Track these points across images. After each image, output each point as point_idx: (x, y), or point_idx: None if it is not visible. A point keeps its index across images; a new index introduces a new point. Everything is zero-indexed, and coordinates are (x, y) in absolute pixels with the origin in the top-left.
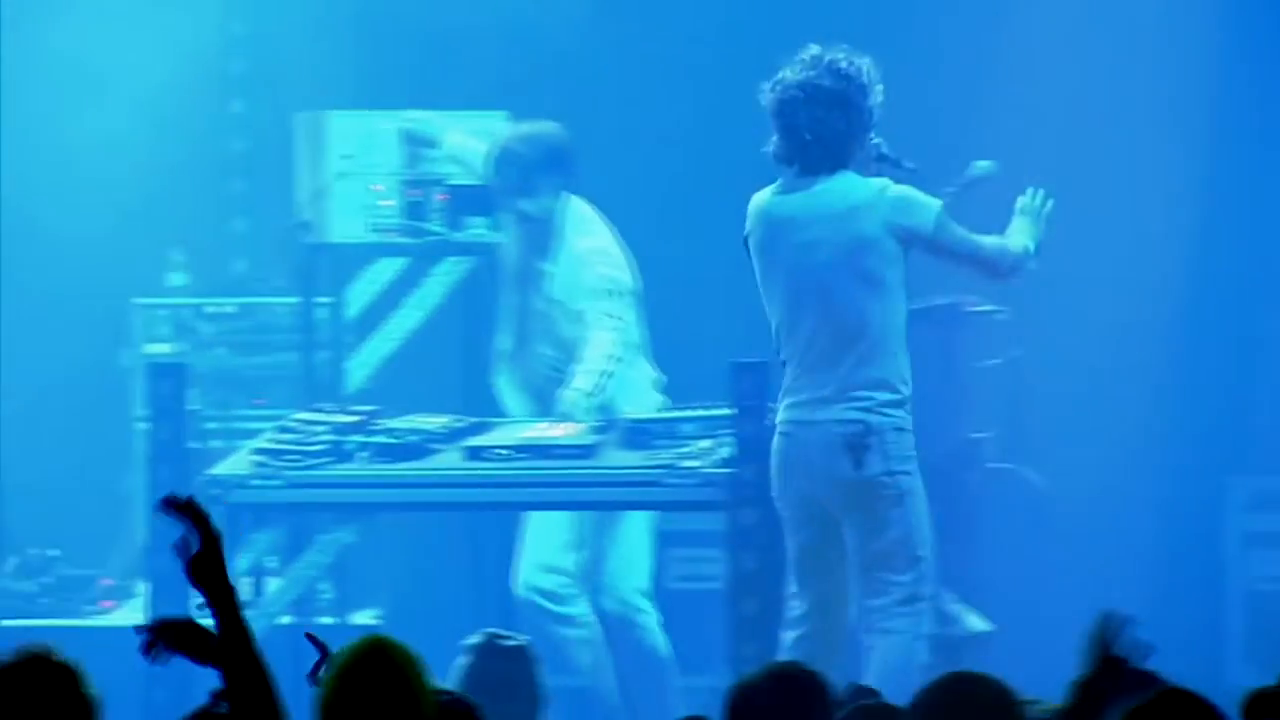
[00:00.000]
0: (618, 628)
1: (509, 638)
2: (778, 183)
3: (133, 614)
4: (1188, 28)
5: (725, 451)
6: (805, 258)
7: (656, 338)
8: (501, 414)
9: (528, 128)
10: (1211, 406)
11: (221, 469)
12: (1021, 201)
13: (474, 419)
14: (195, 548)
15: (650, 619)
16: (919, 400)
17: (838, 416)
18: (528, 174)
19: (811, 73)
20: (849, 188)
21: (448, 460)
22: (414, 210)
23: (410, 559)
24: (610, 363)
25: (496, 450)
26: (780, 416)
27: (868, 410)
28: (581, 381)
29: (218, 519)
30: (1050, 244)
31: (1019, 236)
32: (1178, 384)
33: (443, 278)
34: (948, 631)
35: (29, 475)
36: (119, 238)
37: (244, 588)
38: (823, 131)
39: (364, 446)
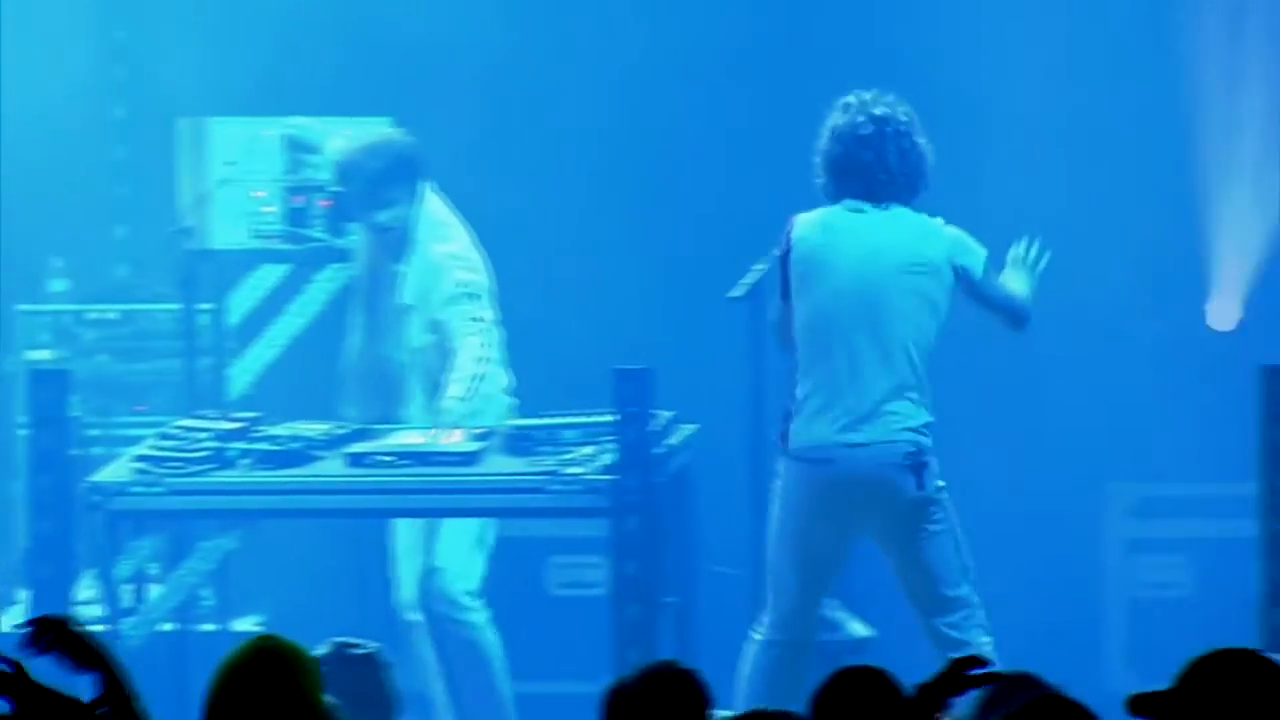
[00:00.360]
0: (448, 630)
1: (358, 645)
2: (841, 204)
3: (13, 620)
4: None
5: (608, 458)
6: (869, 269)
7: (517, 342)
8: (341, 416)
9: (373, 137)
10: (1092, 413)
11: (103, 476)
12: (1014, 253)
13: (356, 425)
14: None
15: (481, 617)
16: None
17: (892, 437)
18: (375, 185)
19: (892, 110)
20: (917, 217)
21: (330, 467)
22: (296, 217)
23: (292, 566)
24: (481, 365)
25: (378, 457)
26: (810, 439)
27: (919, 431)
28: (455, 389)
29: (99, 526)
30: None
31: (1017, 287)
32: (1058, 390)
33: (325, 284)
34: (831, 638)
35: None
36: (1, 244)
37: (126, 595)
38: (906, 164)
39: (246, 453)
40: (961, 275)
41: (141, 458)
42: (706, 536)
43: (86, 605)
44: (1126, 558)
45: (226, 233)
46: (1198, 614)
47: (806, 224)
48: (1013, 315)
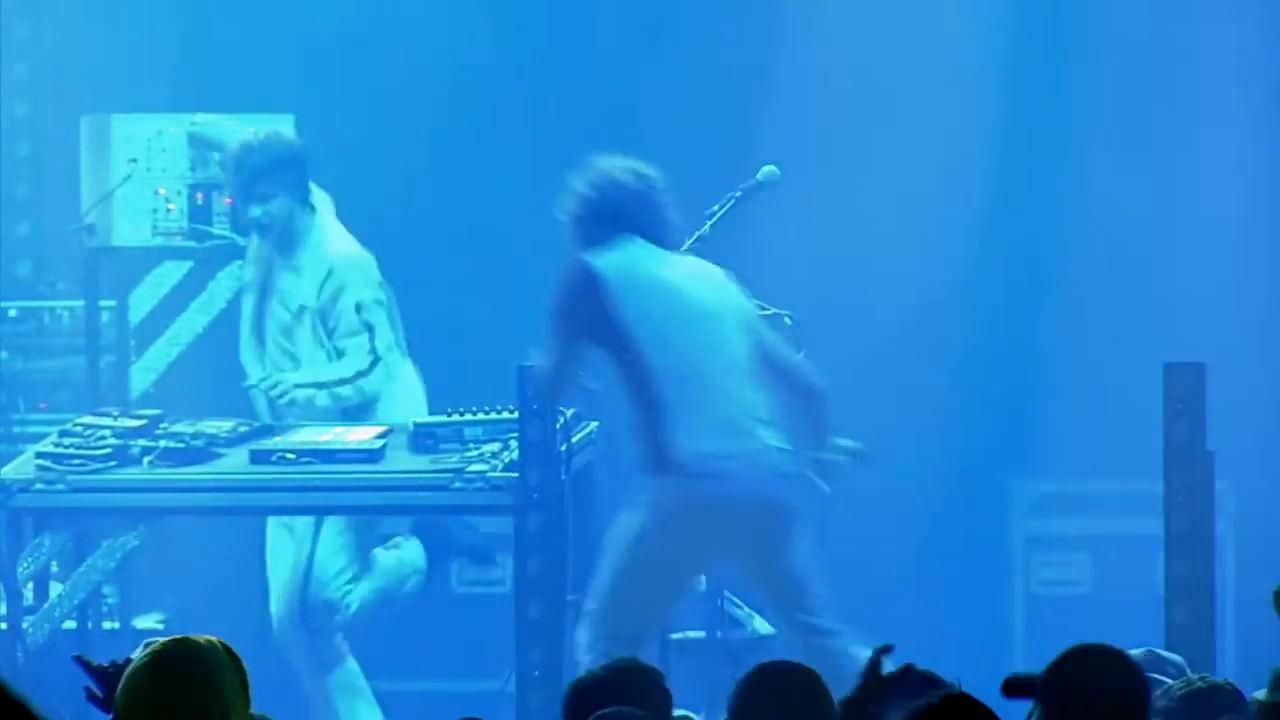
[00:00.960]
0: (320, 638)
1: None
2: (620, 240)
3: None
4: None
5: (511, 456)
6: (698, 290)
7: (421, 341)
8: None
9: (255, 134)
10: (994, 410)
11: (4, 472)
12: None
13: (261, 423)
14: None
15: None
16: None
17: (772, 444)
18: (251, 179)
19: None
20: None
21: (233, 464)
22: (199, 214)
23: (195, 563)
24: (351, 376)
25: (281, 454)
26: (690, 453)
27: (784, 444)
28: (317, 374)
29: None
30: (835, 248)
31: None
32: (961, 388)
33: (228, 281)
34: (736, 635)
35: None
36: None
37: (27, 593)
38: (672, 216)
39: (149, 450)
40: (757, 318)
41: (43, 455)
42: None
43: None
44: (1027, 554)
45: (129, 230)
46: (1098, 610)
47: (606, 262)
48: (810, 378)
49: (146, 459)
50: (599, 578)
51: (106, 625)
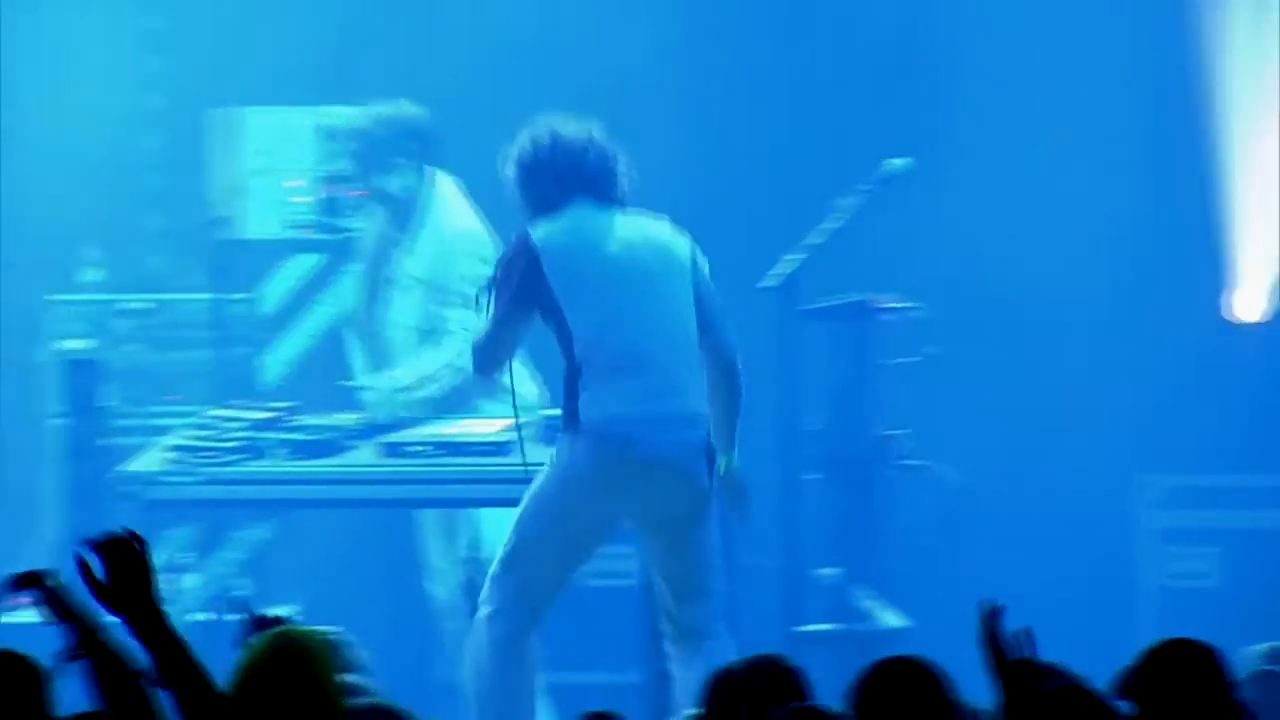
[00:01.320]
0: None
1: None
2: (572, 206)
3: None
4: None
5: None
6: (635, 256)
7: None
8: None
9: (381, 107)
10: (1122, 405)
11: (135, 465)
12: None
13: (391, 416)
14: (104, 578)
15: None
16: (831, 397)
17: (690, 423)
18: (382, 151)
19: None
20: (653, 216)
21: (363, 456)
22: (328, 206)
23: (326, 556)
24: (445, 370)
25: (413, 446)
26: (606, 414)
27: (706, 419)
28: (403, 375)
29: (131, 515)
30: (969, 242)
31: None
32: (1089, 382)
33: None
34: (862, 627)
35: None
36: (34, 234)
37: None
38: (620, 168)
39: (279, 443)
40: (699, 277)
41: (175, 447)
42: (738, 527)
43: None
44: (1157, 548)
45: (259, 223)
46: (1227, 604)
47: (547, 228)
48: (727, 349)
49: (277, 451)
50: (509, 531)
51: (238, 617)
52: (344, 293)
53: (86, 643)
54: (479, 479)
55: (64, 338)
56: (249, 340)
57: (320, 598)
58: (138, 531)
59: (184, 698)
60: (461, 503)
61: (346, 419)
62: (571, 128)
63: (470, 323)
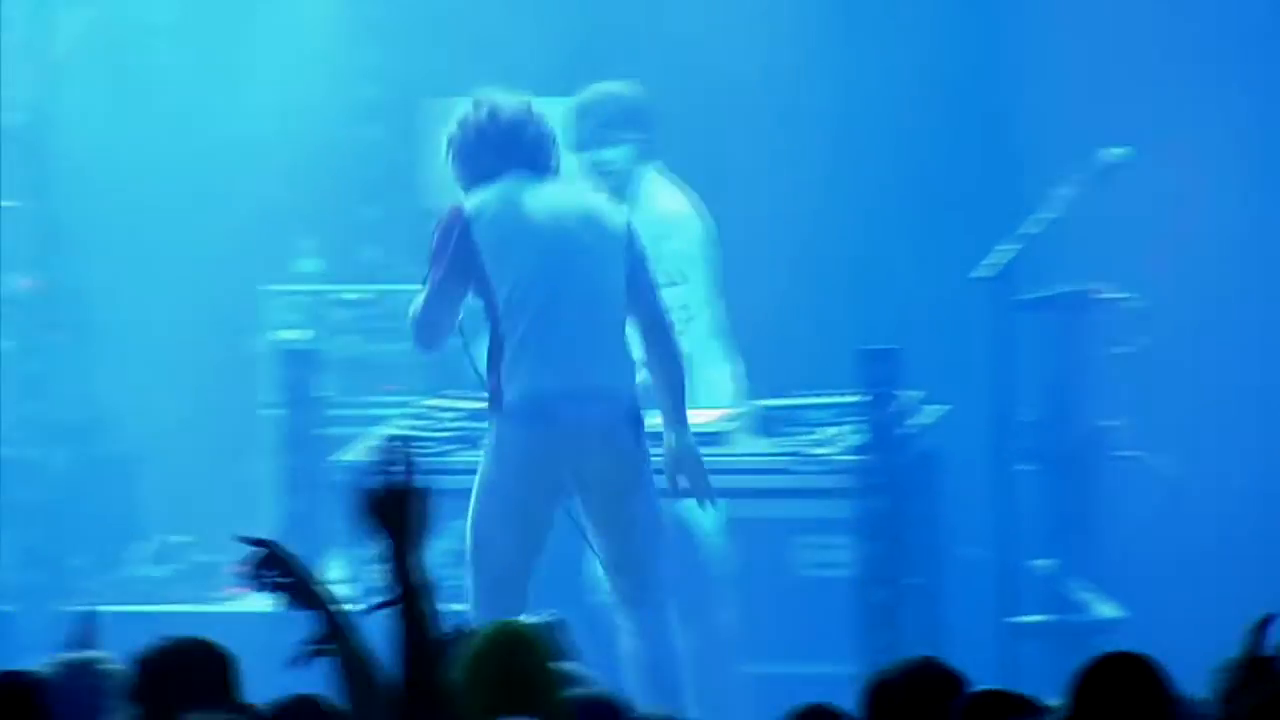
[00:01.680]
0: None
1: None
2: (507, 177)
3: (261, 601)
4: None
5: (854, 438)
6: (564, 228)
7: (756, 321)
8: None
9: (604, 85)
10: None
11: (351, 455)
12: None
13: None
14: (382, 490)
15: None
16: (1046, 388)
17: (615, 391)
18: (604, 125)
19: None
20: (589, 188)
21: None
22: None
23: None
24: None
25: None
26: (529, 392)
27: (633, 388)
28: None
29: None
30: (1186, 232)
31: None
32: None
33: None
34: (1076, 619)
35: (164, 462)
36: (251, 226)
37: (374, 575)
38: (555, 140)
39: None
40: (634, 251)
41: (390, 438)
42: (953, 518)
43: (336, 584)
44: None
45: None
46: None
47: (480, 197)
48: (661, 324)
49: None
50: (466, 533)
51: (454, 607)
52: None
53: (330, 633)
54: None
55: (281, 328)
56: (463, 331)
57: (535, 588)
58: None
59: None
60: (675, 493)
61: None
62: (509, 101)
63: (681, 300)
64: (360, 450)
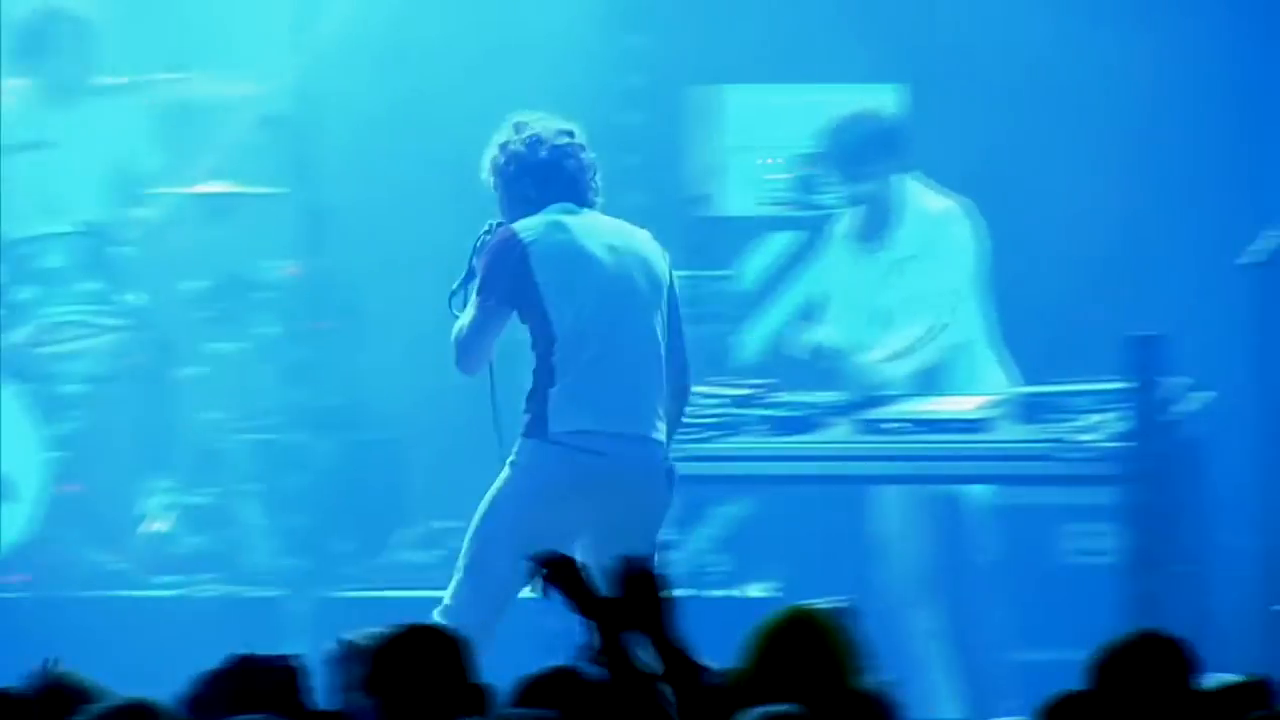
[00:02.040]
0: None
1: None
2: (554, 208)
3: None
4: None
5: (1118, 425)
6: (618, 266)
7: (1024, 309)
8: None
9: (858, 111)
10: None
11: None
12: None
13: (867, 393)
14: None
15: None
16: None
17: (656, 438)
18: (848, 159)
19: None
20: (628, 225)
21: (841, 433)
22: (806, 184)
23: (805, 532)
24: (920, 342)
25: (890, 423)
26: (575, 426)
27: (667, 437)
28: (879, 352)
29: None
30: None
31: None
32: None
33: None
34: None
35: (429, 448)
36: None
37: None
38: (595, 171)
39: (758, 419)
40: (672, 293)
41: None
42: (1218, 505)
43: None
44: None
45: (738, 199)
46: None
47: (534, 227)
48: (683, 370)
49: (756, 428)
50: (469, 535)
51: (718, 593)
52: (825, 269)
53: (607, 644)
54: (948, 456)
55: None
56: (727, 317)
57: (798, 574)
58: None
59: (683, 695)
60: (934, 479)
61: (823, 395)
62: (550, 129)
63: (952, 294)
64: None
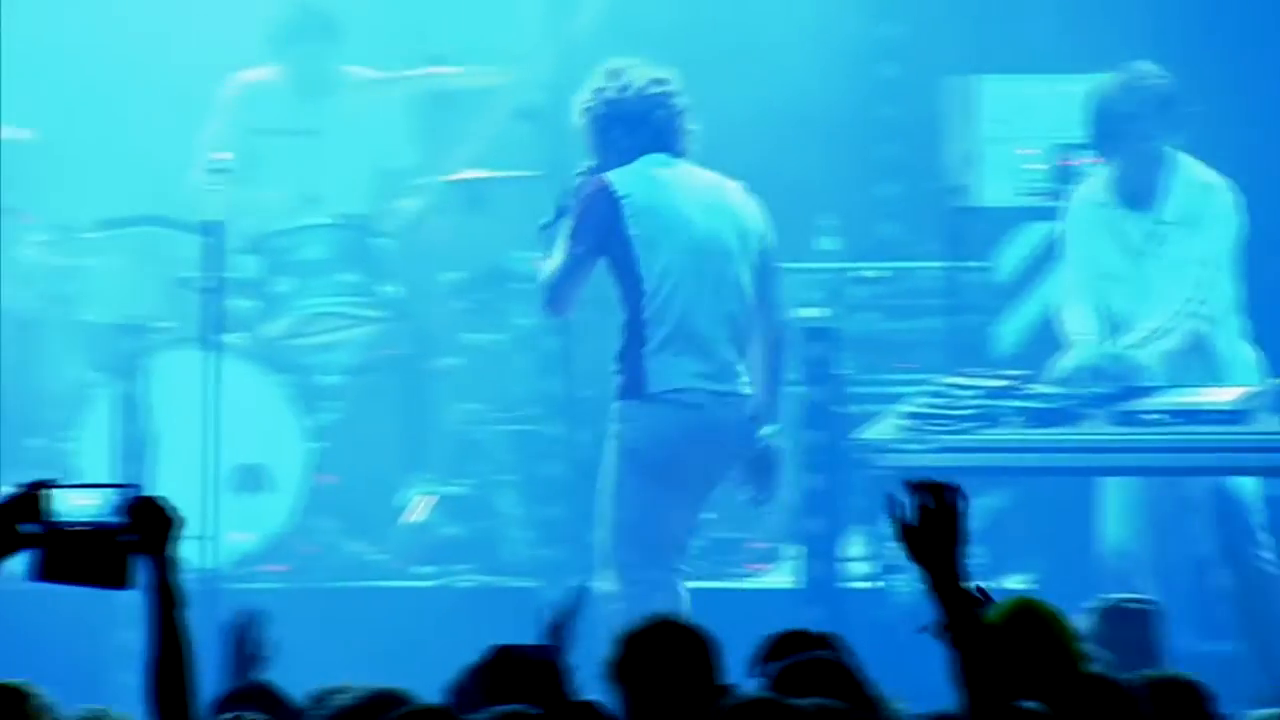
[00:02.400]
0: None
1: (1134, 601)
2: (648, 158)
3: (782, 577)
4: None
5: None
6: (710, 222)
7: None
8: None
9: (1134, 70)
10: None
11: (870, 433)
12: None
13: (1124, 385)
14: (914, 520)
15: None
16: None
17: (741, 388)
18: (1129, 119)
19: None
20: (723, 179)
21: (1098, 424)
22: (1064, 175)
23: (1064, 524)
24: (1178, 318)
25: (1149, 414)
26: (674, 383)
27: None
28: (1132, 336)
29: (867, 483)
30: None
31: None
32: None
33: None
34: None
35: None
36: (772, 203)
37: (893, 553)
38: (685, 120)
39: (1013, 410)
40: (765, 247)
41: (909, 415)
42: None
43: (854, 562)
44: None
45: (994, 190)
46: None
47: (628, 179)
48: (780, 326)
49: (1011, 419)
50: (603, 520)
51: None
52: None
53: (958, 624)
54: (1205, 448)
55: (801, 305)
56: (983, 308)
57: (1056, 566)
58: (959, 486)
59: (968, 658)
60: (1191, 471)
61: (1078, 387)
62: (644, 76)
63: (1212, 264)
64: (876, 430)
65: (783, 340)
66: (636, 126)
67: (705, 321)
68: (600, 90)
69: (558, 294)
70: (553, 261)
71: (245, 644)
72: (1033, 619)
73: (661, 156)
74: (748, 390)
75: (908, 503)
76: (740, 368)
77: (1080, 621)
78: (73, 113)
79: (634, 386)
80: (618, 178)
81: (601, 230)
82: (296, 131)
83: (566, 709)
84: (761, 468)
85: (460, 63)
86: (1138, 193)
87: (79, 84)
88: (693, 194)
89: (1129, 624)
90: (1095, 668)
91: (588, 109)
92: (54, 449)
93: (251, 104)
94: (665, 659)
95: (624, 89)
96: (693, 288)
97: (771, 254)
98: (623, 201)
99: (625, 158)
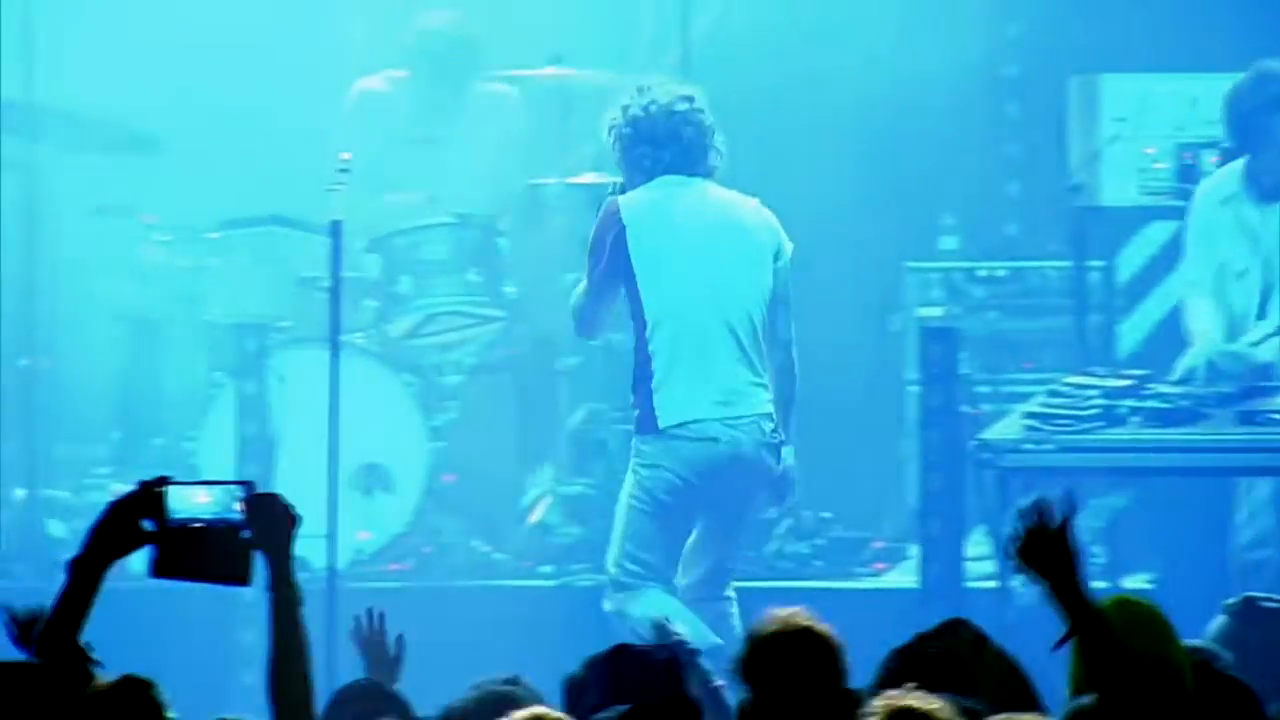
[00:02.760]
0: None
1: (1270, 600)
2: (662, 179)
3: (904, 576)
4: None
5: None
6: (713, 247)
7: None
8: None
9: (1265, 69)
10: None
11: (992, 433)
12: None
13: (1246, 383)
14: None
15: None
16: None
17: (755, 413)
18: (1263, 115)
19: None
20: (737, 196)
21: (1221, 424)
22: (1187, 173)
23: (1184, 525)
24: None
25: (1272, 414)
26: (686, 415)
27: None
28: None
29: (989, 483)
30: None
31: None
32: None
33: None
34: None
35: (806, 440)
36: (894, 202)
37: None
38: (713, 139)
39: (1136, 410)
40: (779, 265)
41: (1031, 415)
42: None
43: (976, 561)
44: None
45: (1117, 189)
46: None
47: (635, 201)
48: (788, 345)
49: (1134, 419)
50: (617, 543)
51: (1092, 585)
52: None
53: (1085, 629)
54: None
55: (922, 305)
56: (1106, 307)
57: (1176, 567)
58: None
59: (1093, 663)
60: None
61: (1200, 387)
62: (670, 94)
63: None
64: (998, 429)
65: (789, 365)
66: (662, 145)
67: (710, 347)
68: (626, 108)
69: (583, 316)
70: (582, 284)
71: (379, 644)
72: (1132, 615)
73: (677, 177)
74: (767, 407)
75: (1019, 527)
76: (754, 386)
77: (1215, 622)
78: (196, 113)
79: (647, 422)
80: (626, 201)
81: (608, 255)
82: (423, 140)
83: (685, 708)
84: (782, 488)
85: (582, 64)
86: (1272, 187)
87: (203, 84)
88: (700, 215)
89: (1265, 623)
90: (1218, 666)
91: (613, 127)
92: (176, 448)
93: (379, 109)
94: (792, 661)
95: (649, 106)
96: (694, 314)
97: (786, 274)
98: (626, 226)
99: (650, 176)
